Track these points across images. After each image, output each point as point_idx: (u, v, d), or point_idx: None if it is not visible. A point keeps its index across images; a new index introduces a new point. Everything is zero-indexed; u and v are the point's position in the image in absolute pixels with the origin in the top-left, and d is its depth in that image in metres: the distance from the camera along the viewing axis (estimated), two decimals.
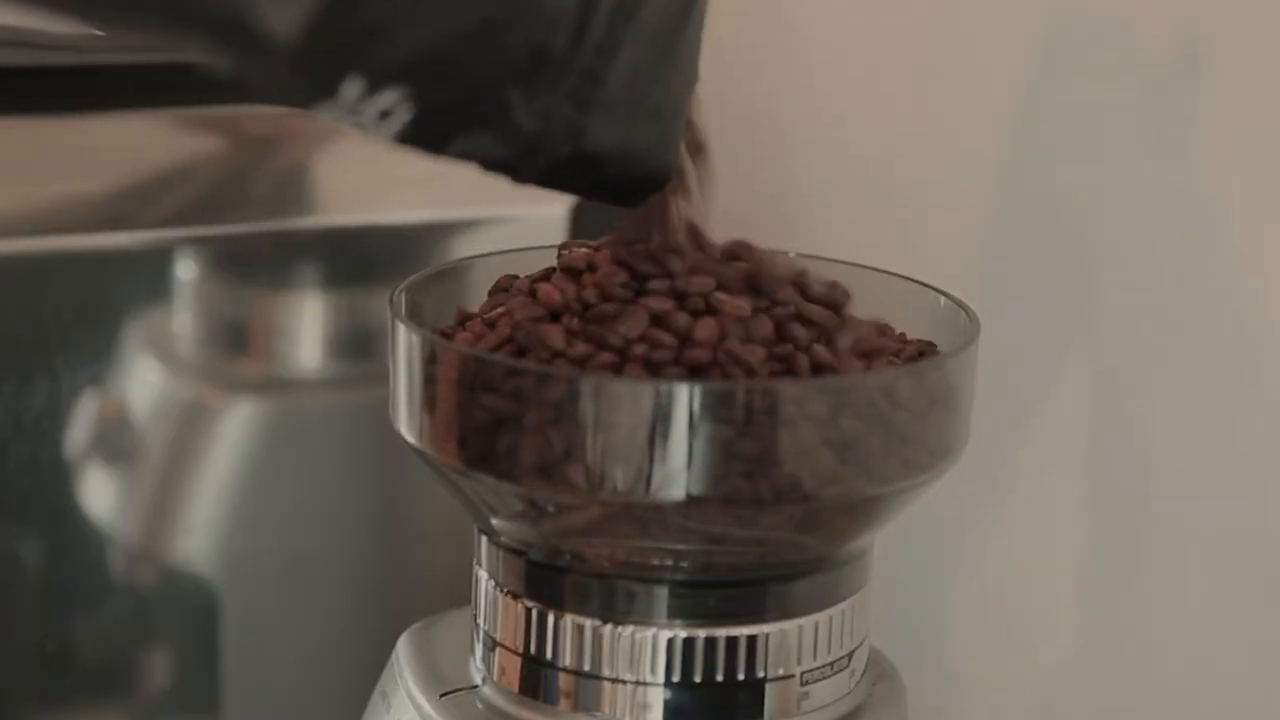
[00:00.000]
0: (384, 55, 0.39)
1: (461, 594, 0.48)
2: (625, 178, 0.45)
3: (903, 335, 0.47)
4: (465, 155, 0.42)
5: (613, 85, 0.42)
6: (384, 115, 0.40)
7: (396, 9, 0.38)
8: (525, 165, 0.43)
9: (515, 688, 0.46)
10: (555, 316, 0.44)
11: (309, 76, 0.39)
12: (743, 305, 0.43)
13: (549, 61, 0.41)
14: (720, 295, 0.43)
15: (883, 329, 0.47)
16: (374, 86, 0.39)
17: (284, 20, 0.37)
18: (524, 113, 0.41)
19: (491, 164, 0.43)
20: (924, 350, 0.46)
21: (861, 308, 0.46)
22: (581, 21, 0.41)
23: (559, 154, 0.43)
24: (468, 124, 0.41)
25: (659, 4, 0.43)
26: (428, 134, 0.41)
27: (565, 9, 0.41)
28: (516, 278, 0.46)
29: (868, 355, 0.44)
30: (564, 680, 0.45)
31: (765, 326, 0.43)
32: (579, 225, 0.62)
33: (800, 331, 0.43)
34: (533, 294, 0.44)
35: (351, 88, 0.39)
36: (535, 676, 0.45)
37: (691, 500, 0.42)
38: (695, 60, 0.45)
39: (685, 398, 0.41)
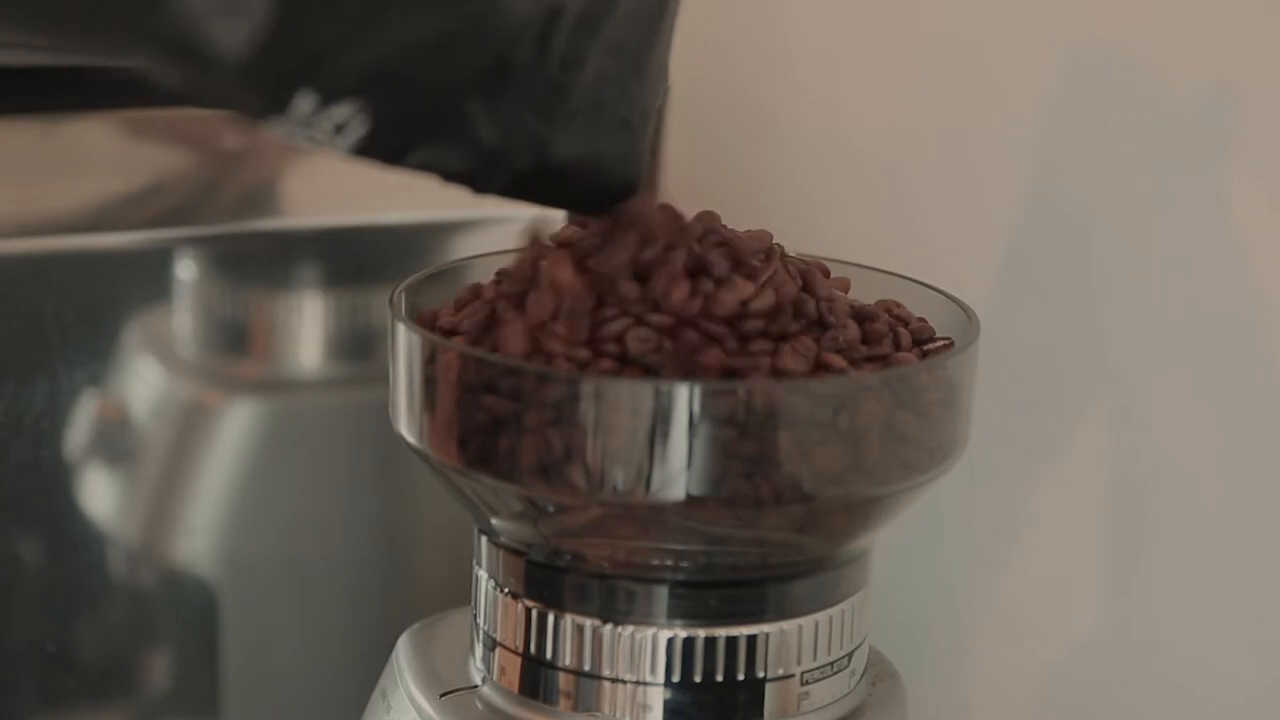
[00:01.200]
0: (337, 70, 0.38)
1: (461, 594, 0.48)
2: (590, 188, 0.44)
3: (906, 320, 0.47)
4: (424, 167, 0.41)
5: (577, 97, 0.42)
6: (339, 129, 0.39)
7: (349, 25, 0.38)
8: (486, 177, 0.42)
9: (515, 688, 0.46)
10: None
11: (259, 92, 0.38)
12: (749, 286, 0.43)
13: (512, 74, 0.40)
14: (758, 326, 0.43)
15: (888, 306, 0.47)
16: (327, 100, 0.39)
17: (232, 37, 0.36)
18: (485, 125, 0.41)
19: (451, 176, 0.42)
20: (924, 334, 0.46)
21: None
22: (545, 34, 0.40)
23: (521, 166, 0.42)
24: (426, 136, 0.41)
25: (626, 15, 0.42)
26: (385, 146, 0.40)
27: (528, 22, 0.40)
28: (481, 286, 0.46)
29: (869, 341, 0.44)
30: (564, 680, 0.45)
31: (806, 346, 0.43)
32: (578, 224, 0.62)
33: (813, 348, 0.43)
34: (521, 307, 0.44)
35: (304, 102, 0.38)
36: (535, 676, 0.45)
37: (691, 501, 0.42)
38: (665, 69, 0.45)
39: (685, 398, 0.41)
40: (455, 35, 0.39)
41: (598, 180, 0.44)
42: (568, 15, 0.41)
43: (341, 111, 0.39)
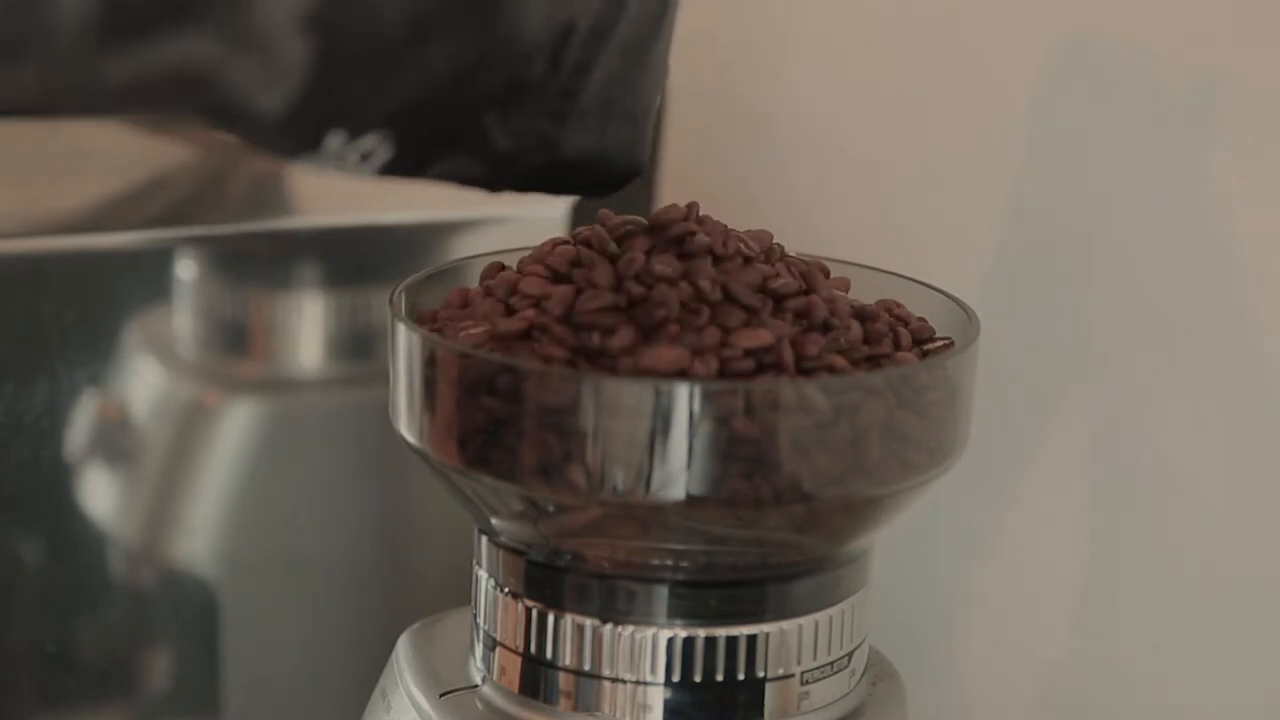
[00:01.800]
0: (365, 113, 0.40)
1: (461, 594, 0.48)
2: (598, 176, 0.45)
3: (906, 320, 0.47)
4: (442, 177, 0.43)
5: (586, 99, 0.43)
6: (365, 157, 0.41)
7: (377, 77, 0.39)
8: (501, 179, 0.44)
9: (515, 687, 0.46)
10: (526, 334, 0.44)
11: (294, 139, 0.40)
12: (764, 334, 0.43)
13: (526, 89, 0.42)
14: (744, 332, 0.43)
15: (888, 306, 0.47)
16: (355, 135, 0.40)
17: (270, 100, 0.38)
18: (500, 134, 0.42)
19: (467, 181, 0.43)
20: (924, 334, 0.46)
21: None
22: (557, 49, 0.42)
23: (534, 165, 0.43)
24: (444, 151, 0.42)
25: (632, 19, 0.43)
26: (406, 165, 0.42)
27: (541, 42, 0.41)
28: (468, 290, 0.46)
29: (870, 341, 0.44)
30: (564, 680, 0.45)
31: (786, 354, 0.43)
32: (579, 224, 0.62)
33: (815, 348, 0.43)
34: (510, 312, 0.44)
35: (334, 140, 0.40)
36: (535, 676, 0.45)
37: (691, 501, 0.42)
38: (666, 59, 0.46)
39: (685, 398, 0.41)
40: (474, 66, 0.40)
41: (606, 169, 0.45)
42: (580, 30, 0.42)
43: (368, 142, 0.40)
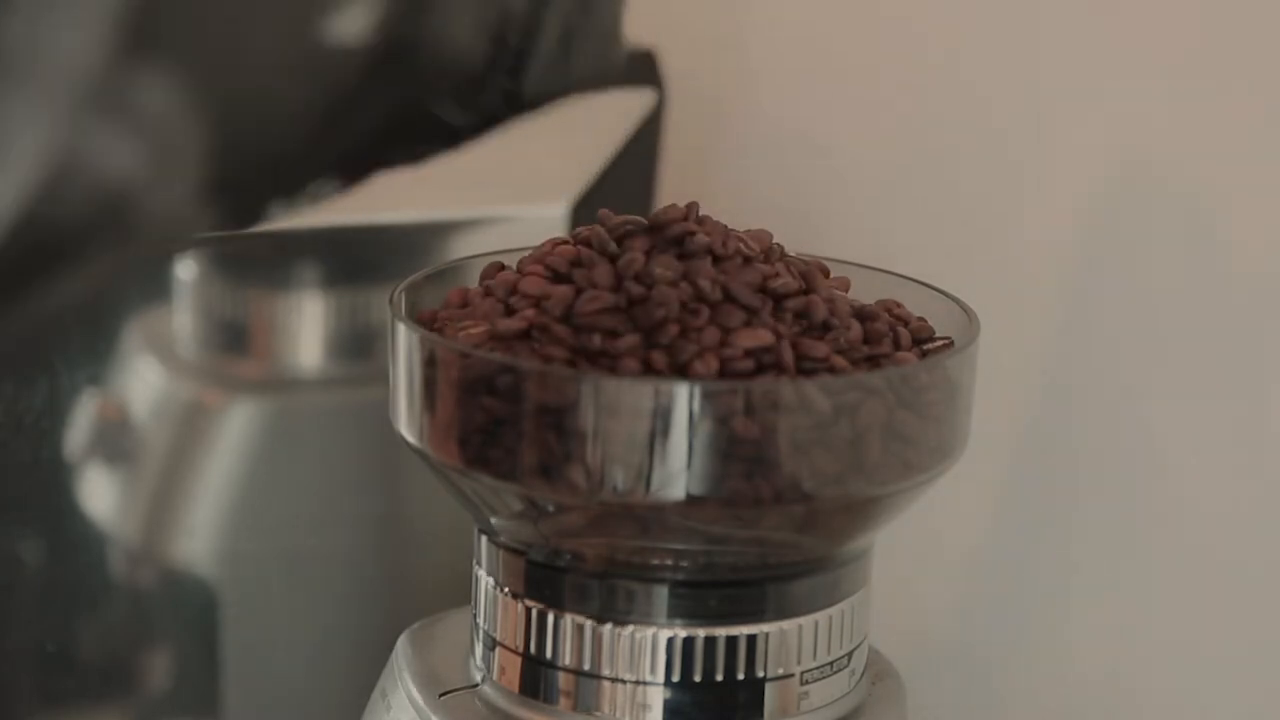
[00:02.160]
0: (300, 177, 0.39)
1: (461, 594, 0.48)
2: (572, 94, 0.45)
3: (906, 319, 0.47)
4: (404, 164, 0.42)
5: (543, 49, 0.42)
6: (314, 198, 0.40)
7: (298, 164, 0.38)
8: (469, 141, 0.43)
9: (515, 687, 0.46)
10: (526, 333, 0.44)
11: (235, 224, 0.39)
12: (764, 334, 0.43)
13: (475, 75, 0.41)
14: (745, 332, 0.43)
15: (888, 306, 0.47)
16: (297, 191, 0.40)
17: (196, 230, 0.37)
18: (459, 114, 0.41)
19: (433, 157, 0.42)
20: (924, 334, 0.46)
21: None
22: (499, 34, 0.41)
23: (501, 120, 0.42)
24: (400, 149, 0.41)
25: None
26: (362, 177, 0.41)
27: (477, 44, 0.41)
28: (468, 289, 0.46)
29: (870, 341, 0.44)
30: (564, 680, 0.45)
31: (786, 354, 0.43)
32: (579, 224, 0.62)
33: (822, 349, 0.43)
34: (510, 312, 0.44)
35: (277, 206, 0.39)
36: (535, 676, 0.45)
37: (691, 500, 0.42)
38: None
39: (685, 398, 0.41)
40: (410, 98, 0.39)
41: (577, 89, 0.44)
42: (517, 11, 0.41)
43: (313, 187, 0.40)
